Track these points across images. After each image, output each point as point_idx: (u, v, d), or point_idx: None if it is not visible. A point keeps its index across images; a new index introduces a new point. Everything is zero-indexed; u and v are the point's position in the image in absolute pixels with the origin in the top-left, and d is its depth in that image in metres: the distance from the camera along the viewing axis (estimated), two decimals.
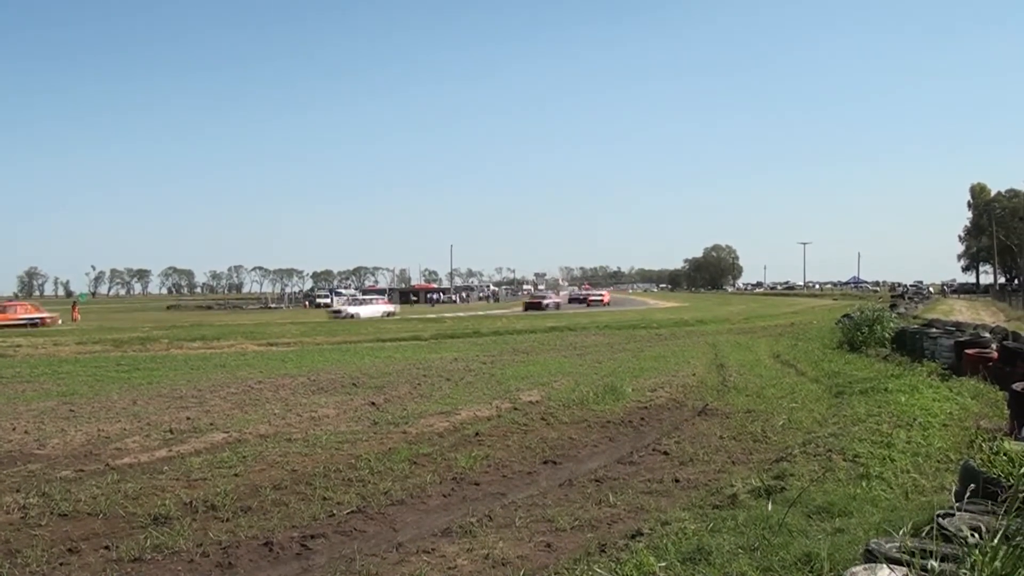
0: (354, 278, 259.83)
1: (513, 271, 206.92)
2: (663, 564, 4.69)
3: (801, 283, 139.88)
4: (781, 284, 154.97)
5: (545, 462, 8.36)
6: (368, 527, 6.18)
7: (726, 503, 6.38)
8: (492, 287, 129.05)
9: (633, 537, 5.55)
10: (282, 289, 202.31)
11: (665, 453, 8.65)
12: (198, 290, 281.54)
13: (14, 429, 10.40)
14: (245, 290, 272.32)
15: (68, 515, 6.46)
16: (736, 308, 53.92)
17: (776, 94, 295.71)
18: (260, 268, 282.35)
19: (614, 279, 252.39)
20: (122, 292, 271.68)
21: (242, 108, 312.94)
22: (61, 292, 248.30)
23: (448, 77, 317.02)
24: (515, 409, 11.60)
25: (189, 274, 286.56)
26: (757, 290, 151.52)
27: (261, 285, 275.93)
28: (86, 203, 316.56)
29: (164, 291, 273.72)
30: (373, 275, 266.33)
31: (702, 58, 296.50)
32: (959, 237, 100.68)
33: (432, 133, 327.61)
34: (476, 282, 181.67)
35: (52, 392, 14.17)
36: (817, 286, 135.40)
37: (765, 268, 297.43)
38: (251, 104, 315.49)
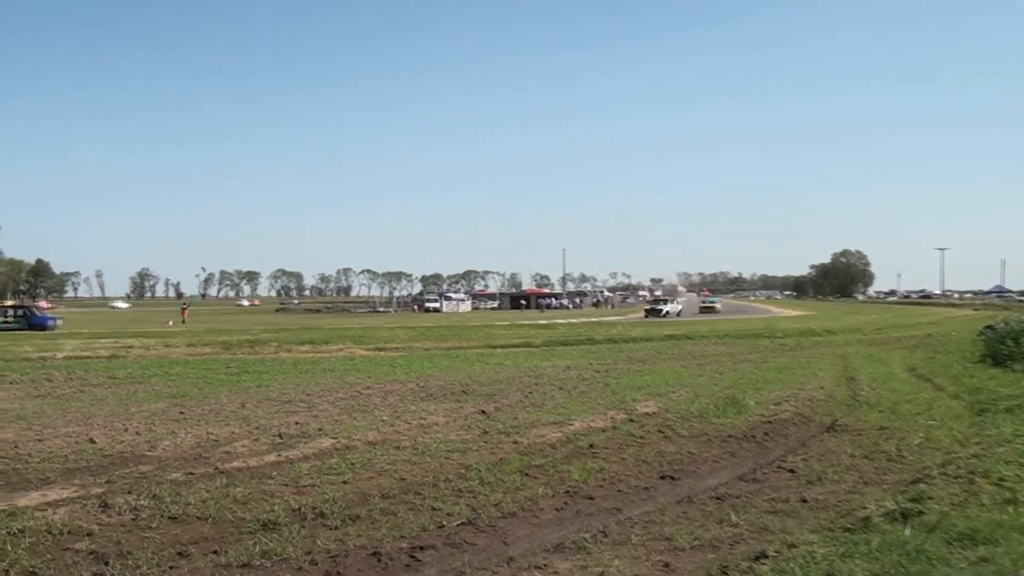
0: (464, 282, 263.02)
1: (628, 276, 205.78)
2: None
3: (938, 292, 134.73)
4: (916, 292, 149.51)
5: (663, 477, 8.20)
6: (478, 540, 6.17)
7: (858, 526, 6.11)
8: (605, 292, 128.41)
9: (757, 559, 5.37)
10: (390, 293, 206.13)
11: (791, 471, 8.38)
12: (307, 292, 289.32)
13: (126, 430, 10.84)
14: (353, 293, 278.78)
15: (178, 518, 6.66)
16: (867, 317, 52.19)
17: (916, 88, 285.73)
18: (368, 271, 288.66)
19: (734, 285, 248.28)
20: (231, 294, 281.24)
21: (353, 108, 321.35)
22: (172, 294, 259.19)
23: (563, 78, 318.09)
24: (631, 420, 11.45)
25: (298, 276, 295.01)
26: (890, 299, 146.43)
27: (369, 288, 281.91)
28: (198, 204, 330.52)
29: (273, 293, 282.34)
30: (483, 279, 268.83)
31: (831, 48, 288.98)
32: None
33: (545, 134, 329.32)
34: (589, 287, 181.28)
35: (163, 394, 14.75)
36: (956, 295, 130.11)
37: (899, 275, 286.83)
38: (363, 103, 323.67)
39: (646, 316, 60.23)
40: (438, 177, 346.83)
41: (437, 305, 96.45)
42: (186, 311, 62.42)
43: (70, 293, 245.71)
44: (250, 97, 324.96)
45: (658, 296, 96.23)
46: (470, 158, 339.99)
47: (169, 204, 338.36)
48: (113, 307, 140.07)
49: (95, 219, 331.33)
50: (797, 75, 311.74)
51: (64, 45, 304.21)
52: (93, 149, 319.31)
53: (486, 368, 19.43)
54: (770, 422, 11.47)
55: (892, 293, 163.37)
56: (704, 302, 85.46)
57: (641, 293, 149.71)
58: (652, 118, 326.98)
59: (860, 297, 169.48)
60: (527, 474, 8.17)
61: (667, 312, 62.67)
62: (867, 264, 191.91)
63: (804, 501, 7.13)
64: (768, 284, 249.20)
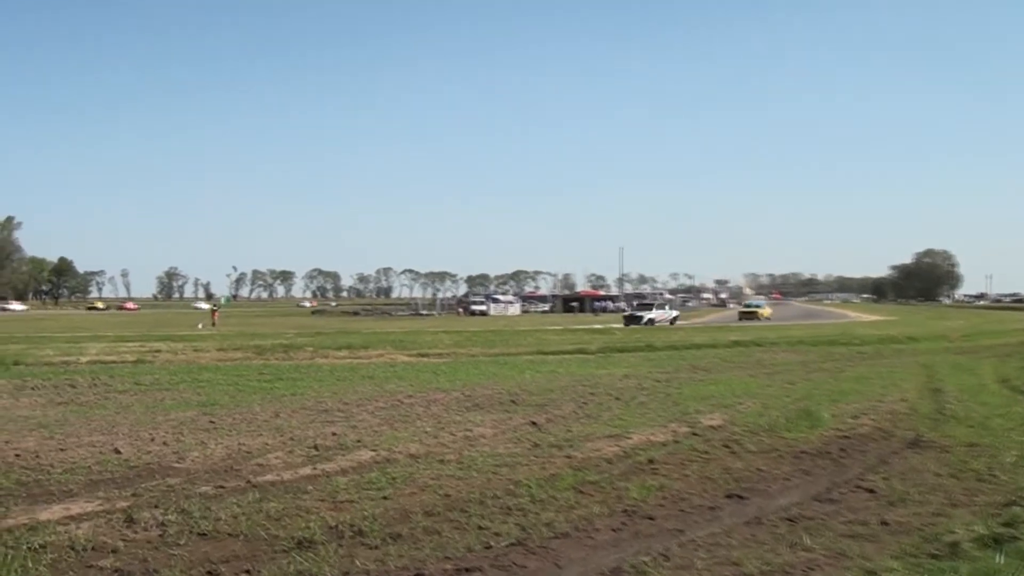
0: (512, 283, 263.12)
1: (691, 277, 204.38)
2: None
3: None
4: (1009, 296, 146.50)
5: (729, 496, 8.11)
6: (529, 562, 6.14)
7: (945, 552, 5.99)
8: (665, 295, 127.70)
9: None
10: (434, 294, 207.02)
11: (870, 491, 8.23)
12: (344, 294, 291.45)
13: (152, 440, 10.96)
14: (394, 295, 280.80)
15: (208, 535, 6.72)
16: (954, 323, 51.23)
17: (1007, 73, 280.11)
18: (410, 271, 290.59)
19: (807, 287, 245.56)
20: (264, 295, 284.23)
21: (395, 97, 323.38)
22: (201, 294, 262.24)
23: (621, 68, 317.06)
24: (694, 434, 11.35)
25: (335, 276, 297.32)
26: (979, 303, 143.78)
27: (411, 289, 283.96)
28: (229, 200, 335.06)
29: (308, 294, 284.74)
30: (533, 280, 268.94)
31: (912, 38, 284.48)
32: None
33: (602, 127, 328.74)
34: (648, 289, 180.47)
35: (192, 402, 14.92)
36: None
37: (989, 278, 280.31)
38: (407, 93, 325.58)
39: (626, 324, 55.27)
40: (486, 172, 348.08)
41: (484, 308, 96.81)
42: (216, 313, 63.26)
43: (94, 293, 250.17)
44: (283, 86, 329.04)
45: (645, 301, 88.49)
46: (520, 152, 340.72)
47: (199, 200, 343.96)
48: (124, 308, 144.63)
49: (121, 215, 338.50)
50: (876, 66, 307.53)
51: (91, 34, 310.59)
52: (119, 141, 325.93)
53: (537, 376, 19.41)
54: (847, 437, 11.28)
55: (982, 296, 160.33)
56: (747, 305, 77.90)
57: (704, 296, 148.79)
58: (721, 112, 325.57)
59: (946, 301, 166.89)
60: (581, 491, 8.12)
61: (650, 320, 57.40)
62: (954, 265, 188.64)
63: (885, 524, 7.01)
64: (844, 286, 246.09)
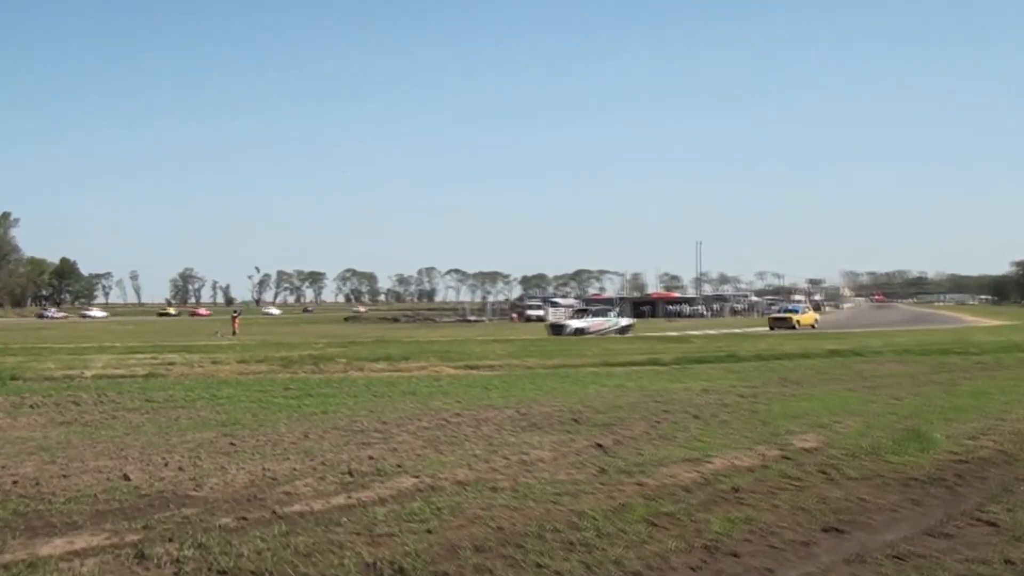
0: (574, 284, 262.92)
1: (780, 277, 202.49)
2: None
3: None
4: None
5: (826, 529, 8.01)
6: None
7: None
8: (751, 296, 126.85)
9: None
10: (483, 297, 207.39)
11: (992, 524, 8.09)
12: (381, 297, 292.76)
13: (166, 465, 11.04)
14: (438, 298, 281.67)
15: (228, 573, 6.77)
16: None
17: None
18: (456, 271, 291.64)
19: (915, 287, 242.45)
20: (291, 299, 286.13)
21: (437, 81, 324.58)
22: (220, 299, 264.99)
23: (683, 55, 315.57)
24: (785, 458, 11.24)
25: (371, 278, 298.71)
26: None
27: (458, 292, 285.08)
28: (250, 193, 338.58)
29: (340, 298, 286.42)
30: (598, 280, 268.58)
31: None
32: None
33: (679, 110, 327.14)
34: (731, 290, 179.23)
35: (210, 421, 15.07)
36: None
37: None
38: (454, 76, 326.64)
39: (550, 334, 52.23)
40: (543, 160, 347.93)
41: (541, 313, 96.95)
42: (237, 320, 64.04)
43: (100, 298, 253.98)
44: (311, 69, 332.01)
45: (583, 306, 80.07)
46: (581, 138, 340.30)
47: (216, 193, 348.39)
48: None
49: (129, 211, 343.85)
50: (1003, 48, 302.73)
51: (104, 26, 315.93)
52: (125, 130, 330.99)
53: (602, 391, 19.35)
54: (964, 461, 11.10)
55: None
56: (779, 312, 71.51)
57: (796, 297, 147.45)
58: (816, 97, 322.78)
59: None
60: (655, 524, 8.07)
61: (578, 329, 53.03)
62: None
63: (1009, 563, 6.90)
64: (959, 286, 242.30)
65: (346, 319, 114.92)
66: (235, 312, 73.10)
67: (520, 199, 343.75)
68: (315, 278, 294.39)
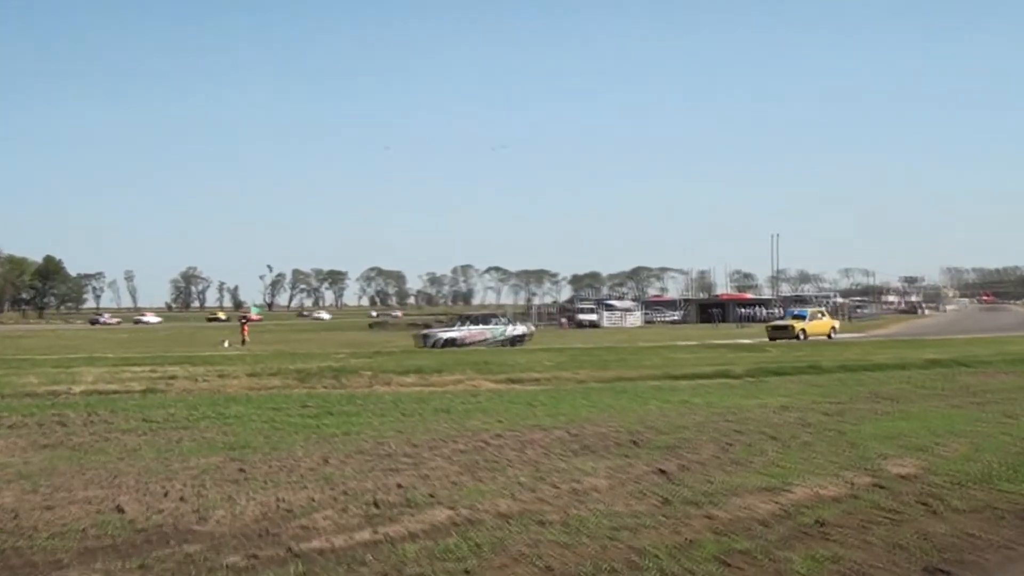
0: (631, 284, 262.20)
1: (870, 275, 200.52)
2: None
3: None
4: None
5: (928, 570, 7.94)
6: None
7: None
8: (836, 298, 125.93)
9: None
10: (528, 300, 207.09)
11: None
12: (410, 300, 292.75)
13: (166, 495, 11.09)
14: (475, 300, 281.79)
15: None
16: None
17: None
18: (497, 269, 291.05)
19: None
20: (308, 302, 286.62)
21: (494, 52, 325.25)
22: (227, 302, 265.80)
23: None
24: (878, 486, 11.13)
25: (398, 277, 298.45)
26: None
27: (498, 294, 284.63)
28: (260, 181, 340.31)
29: (364, 301, 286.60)
30: (659, 279, 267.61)
31: None
32: None
33: (748, 88, 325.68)
34: (812, 290, 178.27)
35: (216, 443, 15.16)
36: None
37: None
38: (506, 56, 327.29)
39: (417, 346, 52.18)
40: (595, 146, 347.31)
41: (594, 318, 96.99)
42: (246, 327, 64.41)
43: (90, 302, 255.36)
44: (332, 46, 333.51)
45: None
46: (638, 121, 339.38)
47: (221, 182, 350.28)
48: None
49: (123, 204, 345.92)
50: None
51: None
52: (118, 113, 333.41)
53: (665, 409, 19.30)
54: None
55: None
56: (780, 319, 70.02)
57: (890, 299, 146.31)
58: (910, 74, 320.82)
59: None
60: (727, 563, 8.04)
61: (448, 340, 53.19)
62: None
63: None
64: None
65: (370, 325, 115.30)
66: (242, 319, 73.42)
67: (568, 185, 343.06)
68: (335, 278, 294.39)
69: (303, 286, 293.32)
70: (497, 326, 57.49)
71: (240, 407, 19.97)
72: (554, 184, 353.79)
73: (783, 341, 53.90)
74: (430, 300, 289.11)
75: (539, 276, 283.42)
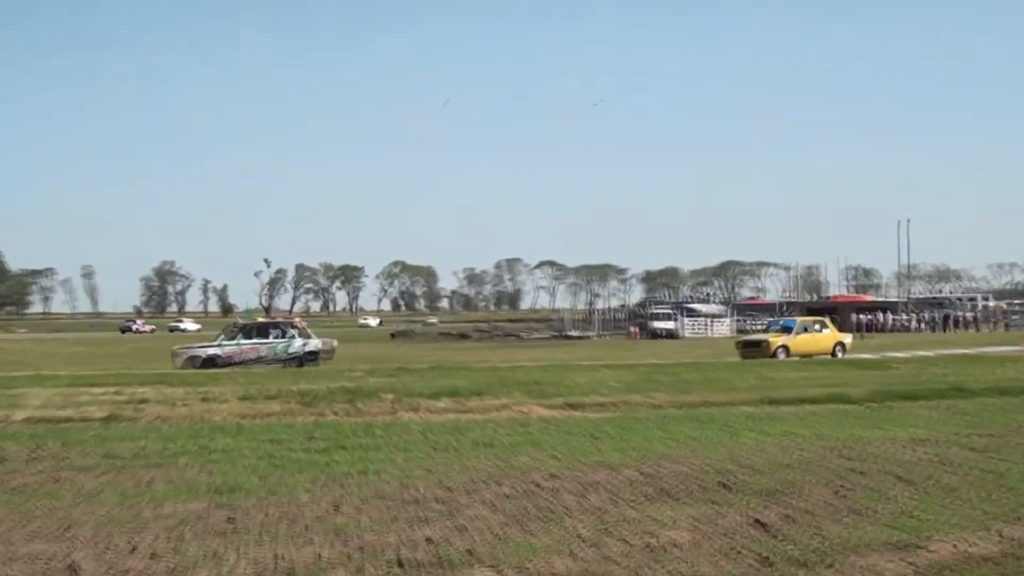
0: (719, 282, 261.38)
1: None
2: None
3: None
4: None
5: None
6: None
7: None
8: (989, 301, 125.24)
9: None
10: (590, 303, 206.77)
11: None
12: (442, 304, 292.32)
13: (133, 551, 11.06)
14: (524, 304, 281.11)
15: None
16: None
17: None
18: (551, 264, 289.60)
19: None
20: (315, 306, 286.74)
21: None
22: (213, 305, 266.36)
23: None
24: None
25: (429, 274, 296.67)
26: None
27: (552, 295, 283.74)
28: (252, 158, 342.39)
29: (386, 305, 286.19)
30: (755, 276, 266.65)
31: None
32: None
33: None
34: (951, 291, 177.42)
35: (198, 485, 15.20)
36: None
37: None
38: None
39: (176, 366, 47.26)
40: (675, 118, 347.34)
41: (672, 326, 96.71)
42: None
43: (37, 305, 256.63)
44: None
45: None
46: (726, 92, 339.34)
47: (205, 156, 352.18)
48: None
49: (79, 185, 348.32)
50: None
51: None
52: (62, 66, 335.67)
53: (764, 442, 19.21)
54: None
55: None
56: (752, 334, 68.68)
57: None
58: None
59: None
60: None
61: (208, 358, 48.62)
62: None
63: None
64: None
65: (392, 335, 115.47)
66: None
67: (639, 165, 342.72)
68: (349, 274, 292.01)
69: (309, 285, 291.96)
70: (278, 340, 52.65)
71: (229, 439, 20.02)
72: (621, 163, 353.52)
73: (806, 359, 49.48)
74: (468, 303, 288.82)
75: (603, 273, 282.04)
